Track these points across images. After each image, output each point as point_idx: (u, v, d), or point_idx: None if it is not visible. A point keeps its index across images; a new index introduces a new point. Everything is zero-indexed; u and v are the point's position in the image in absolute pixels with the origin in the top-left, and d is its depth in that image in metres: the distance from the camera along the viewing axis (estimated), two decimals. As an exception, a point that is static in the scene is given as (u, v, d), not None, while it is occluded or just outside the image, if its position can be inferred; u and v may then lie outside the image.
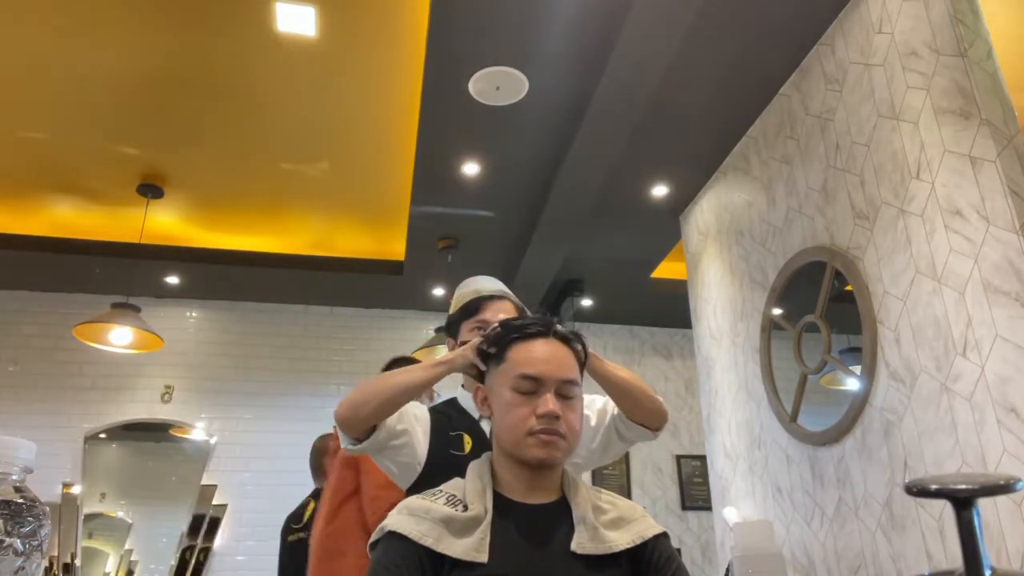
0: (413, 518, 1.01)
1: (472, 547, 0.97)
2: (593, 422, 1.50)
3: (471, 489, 1.06)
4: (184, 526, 4.49)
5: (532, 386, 1.07)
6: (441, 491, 1.07)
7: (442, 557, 0.97)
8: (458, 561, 0.96)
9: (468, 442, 1.46)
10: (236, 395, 4.91)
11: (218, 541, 4.53)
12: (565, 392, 1.08)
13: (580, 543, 1.01)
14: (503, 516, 1.03)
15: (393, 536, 0.99)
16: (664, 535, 1.10)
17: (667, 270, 4.80)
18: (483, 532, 0.99)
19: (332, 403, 5.41)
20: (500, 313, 1.55)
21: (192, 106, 3.38)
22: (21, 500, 0.70)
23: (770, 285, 3.09)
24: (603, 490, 1.12)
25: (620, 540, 1.04)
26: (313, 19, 2.85)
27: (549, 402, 1.05)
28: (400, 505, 1.06)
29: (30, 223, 4.34)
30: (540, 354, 1.09)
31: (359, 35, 2.96)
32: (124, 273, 4.34)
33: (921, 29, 2.27)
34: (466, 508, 1.03)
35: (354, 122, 3.51)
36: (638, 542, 1.05)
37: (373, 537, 1.03)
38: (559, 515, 1.06)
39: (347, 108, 3.40)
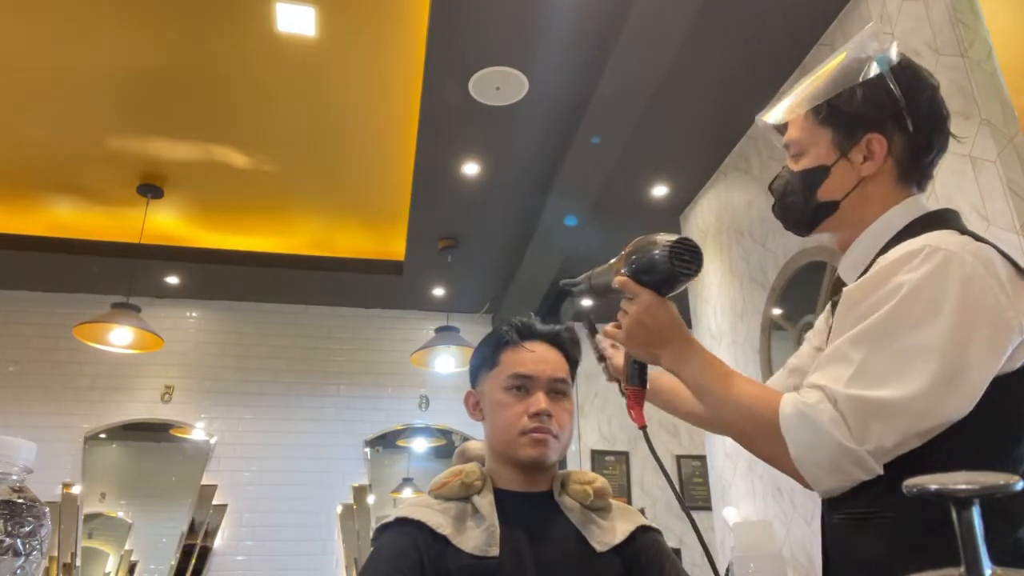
0: (429, 510, 1.03)
1: (484, 542, 0.99)
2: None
3: (474, 487, 1.07)
4: (184, 526, 4.49)
5: (524, 384, 1.09)
6: (443, 491, 1.09)
7: (444, 553, 0.98)
8: (469, 556, 0.98)
9: None
10: (236, 395, 4.91)
11: (218, 541, 4.53)
12: (556, 390, 1.11)
13: (583, 537, 1.04)
14: (505, 510, 1.05)
15: (407, 522, 1.01)
16: (653, 530, 1.12)
17: (667, 270, 4.79)
18: (492, 527, 1.01)
19: (332, 403, 5.44)
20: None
21: (192, 106, 3.38)
22: (21, 500, 0.70)
23: (770, 285, 3.09)
24: (591, 483, 1.12)
25: (616, 533, 1.06)
26: (313, 19, 2.85)
27: (541, 400, 1.08)
28: (409, 501, 1.09)
29: (30, 223, 4.34)
30: (531, 355, 1.12)
31: (359, 35, 2.96)
32: (124, 273, 4.34)
33: (921, 29, 2.27)
34: (473, 506, 1.05)
35: (354, 122, 3.51)
36: (629, 532, 1.07)
37: (380, 524, 1.06)
38: (556, 507, 1.08)
39: (347, 108, 3.40)
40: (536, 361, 1.11)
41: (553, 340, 1.15)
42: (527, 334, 1.15)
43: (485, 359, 1.16)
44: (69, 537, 4.25)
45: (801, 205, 1.05)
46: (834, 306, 1.03)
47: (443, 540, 0.99)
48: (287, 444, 4.85)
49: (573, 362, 1.17)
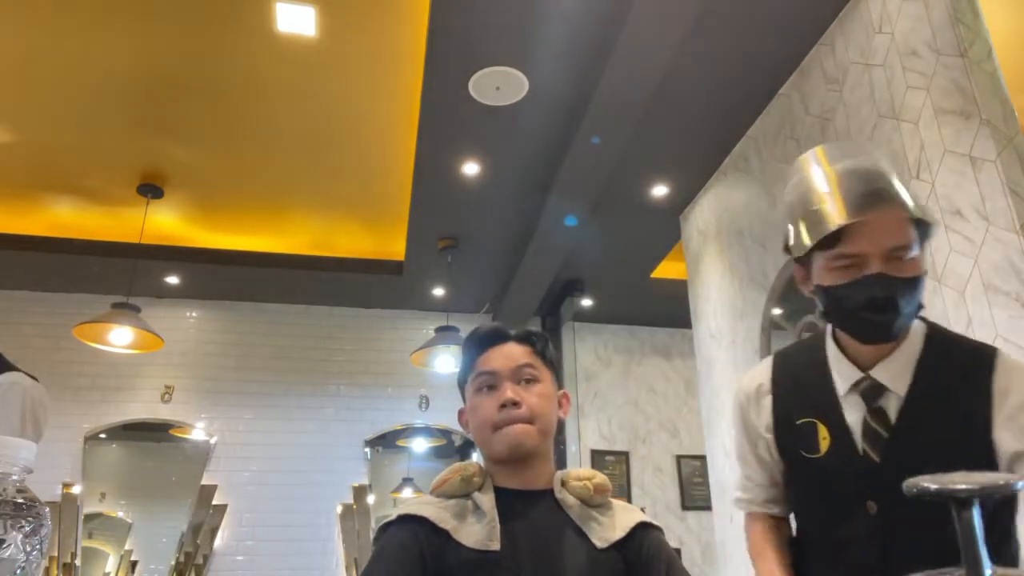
0: (431, 506, 1.05)
1: (485, 536, 1.00)
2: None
3: (474, 483, 1.09)
4: (184, 526, 4.49)
5: (491, 381, 1.12)
6: (444, 488, 1.10)
7: (445, 547, 0.99)
8: (470, 550, 0.99)
9: (824, 436, 1.10)
10: (236, 395, 4.91)
11: (218, 541, 4.53)
12: (523, 376, 1.13)
13: (584, 533, 1.05)
14: (505, 506, 1.06)
15: (409, 519, 1.03)
16: (654, 527, 1.12)
17: (667, 270, 4.80)
18: (492, 522, 1.02)
19: (332, 403, 5.42)
20: (883, 235, 1.00)
21: (192, 106, 3.38)
22: (21, 500, 0.70)
23: (770, 285, 3.09)
24: (591, 479, 1.12)
25: (615, 529, 1.07)
26: (313, 19, 2.85)
27: (507, 390, 1.10)
28: (411, 500, 1.10)
29: (30, 223, 4.34)
30: (495, 353, 1.15)
31: (359, 35, 2.96)
32: (124, 273, 4.34)
33: (921, 29, 2.27)
34: (474, 502, 1.06)
35: (354, 122, 3.51)
36: (630, 529, 1.08)
37: (382, 522, 1.06)
38: (556, 504, 1.09)
39: (347, 108, 3.40)
40: (499, 357, 1.14)
41: (516, 337, 1.18)
42: (491, 338, 1.17)
43: (462, 373, 1.20)
44: (69, 537, 4.25)
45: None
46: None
47: (444, 535, 1.01)
48: (287, 444, 4.86)
49: (542, 353, 1.18)
